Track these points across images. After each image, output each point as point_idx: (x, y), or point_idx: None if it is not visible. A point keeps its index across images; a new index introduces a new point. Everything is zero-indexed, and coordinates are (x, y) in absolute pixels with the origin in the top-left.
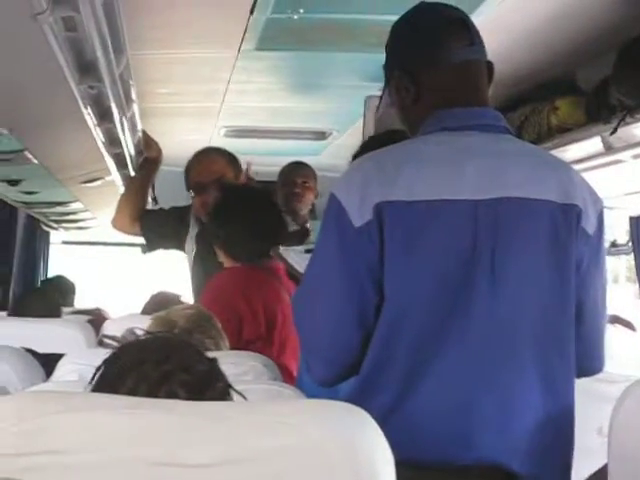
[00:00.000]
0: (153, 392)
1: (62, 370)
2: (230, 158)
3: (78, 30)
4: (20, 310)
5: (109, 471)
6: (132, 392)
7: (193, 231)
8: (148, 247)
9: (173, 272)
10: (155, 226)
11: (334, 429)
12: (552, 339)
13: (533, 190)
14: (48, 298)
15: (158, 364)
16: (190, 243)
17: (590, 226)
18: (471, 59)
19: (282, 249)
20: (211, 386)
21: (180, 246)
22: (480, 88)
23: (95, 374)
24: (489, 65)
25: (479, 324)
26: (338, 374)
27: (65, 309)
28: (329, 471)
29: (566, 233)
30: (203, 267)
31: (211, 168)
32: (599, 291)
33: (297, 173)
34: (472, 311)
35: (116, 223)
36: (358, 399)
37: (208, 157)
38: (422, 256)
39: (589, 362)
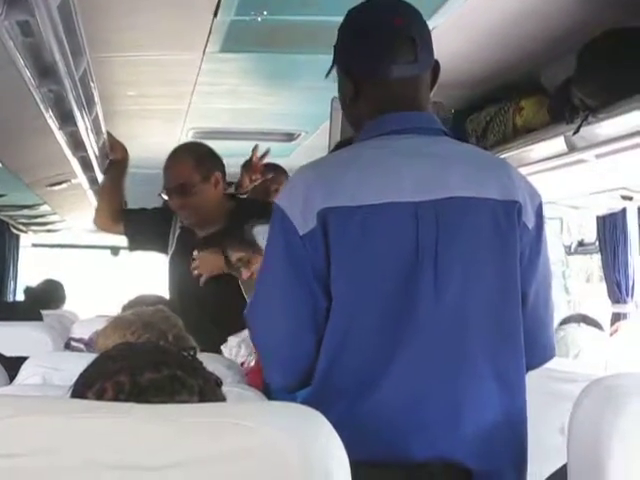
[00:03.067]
0: (91, 384)
1: (25, 373)
2: (199, 159)
3: (35, 34)
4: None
5: (62, 475)
6: (77, 383)
7: (175, 230)
8: (131, 247)
9: (145, 274)
10: (139, 226)
11: (288, 431)
12: (501, 334)
13: (473, 189)
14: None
15: (113, 359)
16: (171, 242)
17: (529, 220)
18: (412, 75)
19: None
20: (150, 397)
21: (163, 247)
22: (417, 96)
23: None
24: (435, 65)
25: (426, 324)
26: (298, 380)
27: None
28: (283, 473)
29: (508, 228)
30: (178, 269)
31: (174, 173)
32: (540, 282)
33: (270, 180)
34: (419, 312)
35: (96, 222)
36: (315, 402)
37: (174, 160)
38: (366, 259)
39: (532, 351)
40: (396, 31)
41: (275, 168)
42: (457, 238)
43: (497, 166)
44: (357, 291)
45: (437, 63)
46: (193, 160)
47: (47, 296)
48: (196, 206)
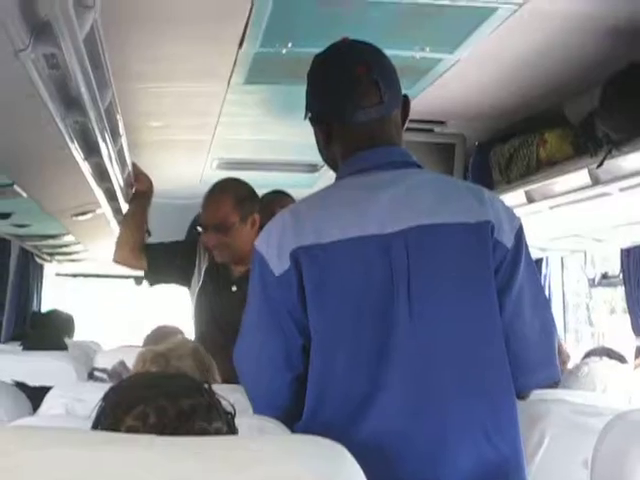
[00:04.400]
0: (129, 409)
1: (49, 404)
2: (239, 200)
3: (61, 66)
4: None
5: None
6: (113, 409)
7: (202, 264)
8: (152, 280)
9: (168, 305)
10: (161, 261)
11: (311, 464)
12: (483, 358)
13: (441, 216)
14: (52, 334)
15: (147, 386)
16: (196, 276)
17: (507, 239)
18: (379, 116)
19: None
20: (190, 422)
21: (185, 281)
22: (387, 133)
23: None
24: (405, 100)
25: (406, 353)
26: (280, 414)
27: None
28: None
29: (480, 248)
30: (207, 302)
31: (213, 212)
32: (520, 300)
33: (278, 204)
34: (397, 341)
35: (117, 258)
36: None
37: (214, 199)
38: (337, 295)
39: (520, 374)
40: (359, 78)
41: (281, 195)
42: (428, 265)
43: (466, 191)
44: (332, 327)
45: (406, 98)
46: (233, 200)
47: (54, 327)
48: (231, 245)
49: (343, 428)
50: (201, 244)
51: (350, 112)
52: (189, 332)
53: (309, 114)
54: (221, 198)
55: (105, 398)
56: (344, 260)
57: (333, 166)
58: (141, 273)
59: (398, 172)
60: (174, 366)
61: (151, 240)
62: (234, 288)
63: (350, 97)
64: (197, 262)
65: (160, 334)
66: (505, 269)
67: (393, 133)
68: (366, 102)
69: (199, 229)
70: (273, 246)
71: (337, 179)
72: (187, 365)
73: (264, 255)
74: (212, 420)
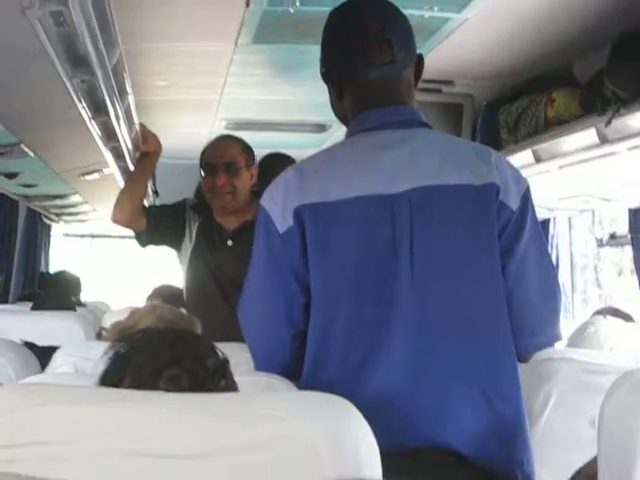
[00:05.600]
0: (159, 372)
1: (57, 362)
2: (245, 148)
3: (68, 24)
4: (38, 307)
5: (96, 463)
6: (138, 370)
7: (192, 225)
8: (144, 242)
9: (174, 264)
10: (160, 222)
11: (319, 420)
12: (483, 321)
13: (446, 177)
14: (62, 294)
15: (171, 346)
16: (187, 238)
17: (513, 202)
18: (391, 75)
19: None
20: (215, 381)
21: (177, 243)
22: (398, 92)
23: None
24: (419, 59)
25: (407, 312)
26: (280, 370)
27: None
28: (315, 462)
29: (484, 210)
30: (203, 259)
31: (223, 151)
32: (524, 262)
33: (279, 166)
34: (399, 300)
35: (116, 217)
36: None
37: (224, 141)
38: (342, 253)
39: (520, 336)
40: (371, 36)
41: (282, 157)
42: (431, 226)
43: (473, 153)
44: (333, 285)
45: (420, 57)
46: (241, 145)
47: (62, 288)
48: (237, 188)
49: (344, 386)
50: (188, 210)
51: (361, 69)
52: None
53: (322, 70)
54: (230, 141)
55: (122, 357)
56: (347, 219)
57: (344, 122)
58: None
59: (406, 132)
60: None
61: (159, 200)
62: (230, 242)
63: (362, 54)
64: (187, 224)
65: (161, 293)
66: (510, 231)
67: (404, 92)
68: (378, 60)
69: (202, 173)
70: (278, 203)
71: (347, 136)
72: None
73: (269, 212)
74: (228, 377)
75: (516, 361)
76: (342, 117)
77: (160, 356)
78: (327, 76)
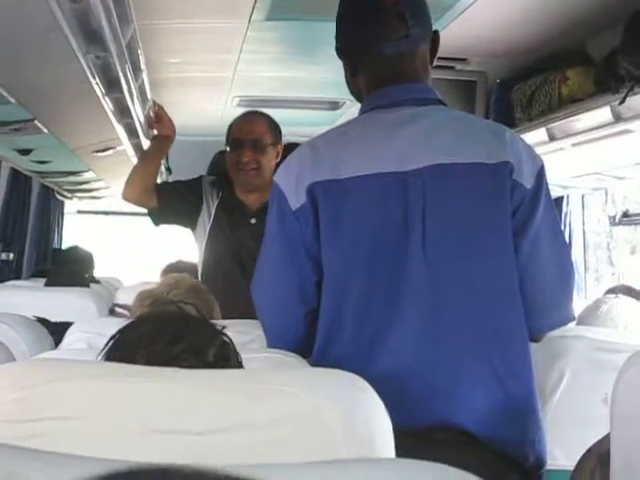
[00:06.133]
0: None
1: (70, 338)
2: (272, 125)
3: (82, 0)
4: (51, 283)
5: (108, 438)
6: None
7: (211, 202)
8: (158, 220)
9: (188, 241)
10: (172, 200)
11: (332, 396)
12: (495, 299)
13: (459, 155)
14: (75, 270)
15: (170, 345)
16: (205, 216)
17: (526, 181)
18: (406, 50)
19: None
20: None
21: (192, 221)
22: (413, 69)
23: (106, 345)
24: (434, 36)
25: (419, 291)
26: (294, 348)
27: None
28: (327, 438)
29: (497, 189)
30: (224, 237)
31: (251, 127)
32: (537, 242)
33: None
34: (410, 278)
35: (127, 195)
36: None
37: (251, 117)
38: (354, 231)
39: (533, 315)
40: (384, 10)
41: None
42: (444, 203)
43: (487, 131)
44: (345, 263)
45: (436, 34)
46: (268, 123)
47: (75, 264)
48: (262, 165)
49: (356, 364)
50: (206, 186)
51: (376, 44)
52: None
53: (337, 45)
54: (258, 118)
55: (121, 355)
56: (360, 196)
57: (359, 98)
58: None
59: (420, 109)
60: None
61: (172, 177)
62: (253, 220)
63: (376, 29)
64: (205, 201)
65: (173, 269)
66: (523, 210)
67: (419, 68)
68: (392, 35)
69: (227, 149)
70: (291, 180)
71: (360, 112)
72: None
73: (282, 189)
74: (232, 359)
75: (528, 340)
76: (357, 94)
77: (160, 355)
78: (341, 52)
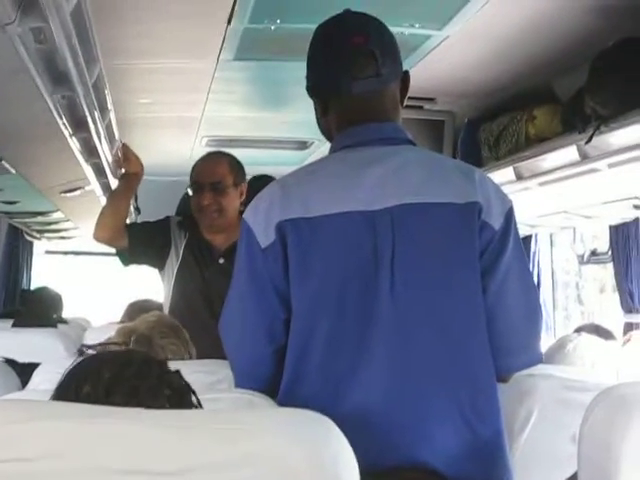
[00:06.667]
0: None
1: (38, 379)
2: (234, 166)
3: (48, 40)
4: (19, 324)
5: (72, 479)
6: (88, 397)
7: (179, 242)
8: (127, 260)
9: (154, 281)
10: (142, 240)
11: (298, 437)
12: (463, 341)
13: (429, 195)
14: (43, 311)
15: (107, 393)
16: (173, 256)
17: (495, 221)
18: (376, 89)
19: None
20: (157, 397)
21: (161, 261)
22: (383, 108)
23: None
24: (405, 75)
25: (387, 329)
26: (260, 387)
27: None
28: (293, 479)
29: (465, 229)
30: (191, 277)
31: (211, 170)
32: (504, 283)
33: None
34: (378, 316)
35: (99, 235)
36: None
37: (211, 159)
38: (323, 269)
39: (500, 356)
40: (355, 49)
41: (270, 179)
42: (412, 243)
43: (456, 171)
44: (314, 302)
45: (406, 74)
46: (229, 164)
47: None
48: (224, 207)
49: (322, 402)
50: (174, 227)
51: (345, 83)
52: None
53: (308, 84)
54: (218, 159)
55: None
56: (329, 235)
57: (329, 137)
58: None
59: (389, 149)
60: (158, 345)
61: (140, 217)
62: (221, 260)
63: (346, 67)
64: (173, 241)
65: (136, 309)
66: (491, 251)
67: (389, 108)
68: (362, 73)
69: (190, 192)
70: (260, 218)
71: (330, 151)
72: (171, 343)
73: (251, 226)
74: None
75: (495, 380)
76: (327, 133)
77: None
78: (312, 91)
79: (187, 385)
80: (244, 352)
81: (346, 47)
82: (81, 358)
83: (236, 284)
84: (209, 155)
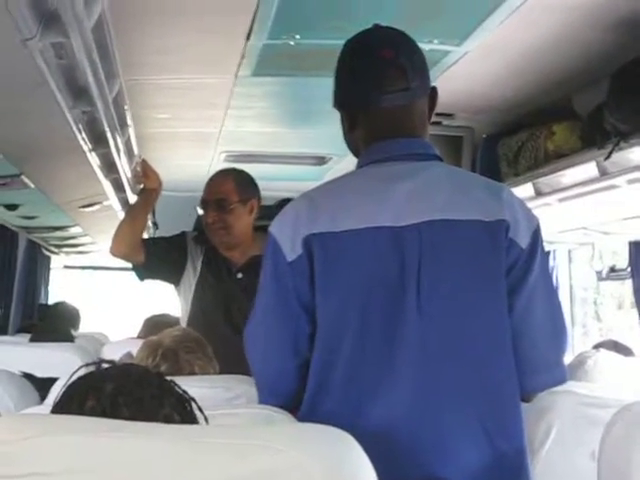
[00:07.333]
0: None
1: (55, 393)
2: (240, 182)
3: (69, 55)
4: (36, 338)
5: None
6: (92, 410)
7: (196, 258)
8: (143, 275)
9: (171, 296)
10: (159, 255)
11: (317, 452)
12: (488, 359)
13: (456, 212)
14: (60, 326)
15: (103, 413)
16: (190, 271)
17: (522, 240)
18: (404, 103)
19: None
20: (162, 405)
21: (177, 277)
22: (411, 123)
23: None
24: (432, 91)
25: (412, 345)
26: (284, 401)
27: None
28: None
29: (493, 247)
30: (210, 292)
31: (216, 188)
32: (530, 302)
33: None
34: (403, 333)
35: (116, 250)
36: None
37: (217, 177)
38: (349, 284)
39: (524, 374)
40: (385, 62)
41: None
42: (439, 260)
43: (485, 188)
44: (339, 316)
45: (434, 89)
46: (234, 180)
47: (61, 319)
48: (230, 226)
49: (344, 419)
50: (190, 242)
51: (374, 97)
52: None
53: (336, 100)
54: (223, 177)
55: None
56: (356, 250)
57: (355, 152)
58: None
59: (417, 164)
60: (185, 360)
61: (158, 232)
62: (239, 275)
63: (375, 81)
64: (190, 256)
65: (153, 323)
66: (518, 269)
67: (417, 123)
68: (391, 87)
69: (199, 210)
70: (287, 231)
71: (357, 166)
72: (197, 358)
73: (278, 240)
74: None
75: (519, 398)
76: (354, 147)
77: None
78: (340, 105)
79: (185, 393)
80: (268, 365)
81: (376, 61)
82: (77, 376)
83: (261, 297)
84: (217, 172)
